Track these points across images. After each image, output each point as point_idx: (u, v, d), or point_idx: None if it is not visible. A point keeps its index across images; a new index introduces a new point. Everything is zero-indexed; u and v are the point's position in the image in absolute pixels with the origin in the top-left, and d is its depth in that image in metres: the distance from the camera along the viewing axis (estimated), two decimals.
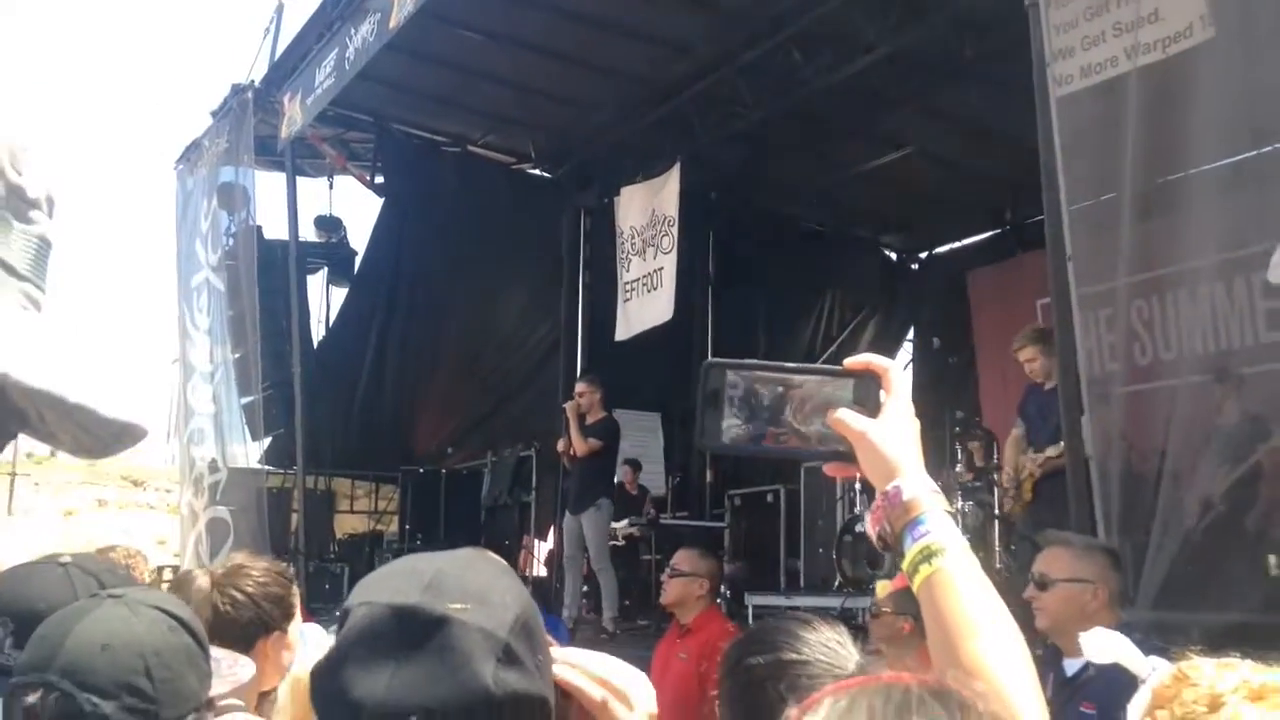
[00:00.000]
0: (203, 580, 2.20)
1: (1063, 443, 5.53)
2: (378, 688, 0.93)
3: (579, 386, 8.26)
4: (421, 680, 0.93)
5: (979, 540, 6.62)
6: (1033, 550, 5.81)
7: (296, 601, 2.34)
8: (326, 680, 0.97)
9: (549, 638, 1.08)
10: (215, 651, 1.57)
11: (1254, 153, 3.86)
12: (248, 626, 2.15)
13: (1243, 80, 3.94)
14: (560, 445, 8.29)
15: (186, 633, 1.43)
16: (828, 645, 1.41)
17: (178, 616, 1.44)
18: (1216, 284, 5.05)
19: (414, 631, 0.95)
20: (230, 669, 1.70)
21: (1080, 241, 4.26)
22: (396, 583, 1.00)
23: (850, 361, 1.16)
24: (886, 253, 13.38)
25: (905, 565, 1.09)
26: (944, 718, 0.79)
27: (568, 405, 8.15)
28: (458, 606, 0.97)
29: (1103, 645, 1.79)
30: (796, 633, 1.42)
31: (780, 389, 1.14)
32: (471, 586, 1.00)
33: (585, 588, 8.70)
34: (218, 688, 1.51)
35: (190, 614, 1.49)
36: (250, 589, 2.20)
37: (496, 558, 1.12)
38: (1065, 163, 4.26)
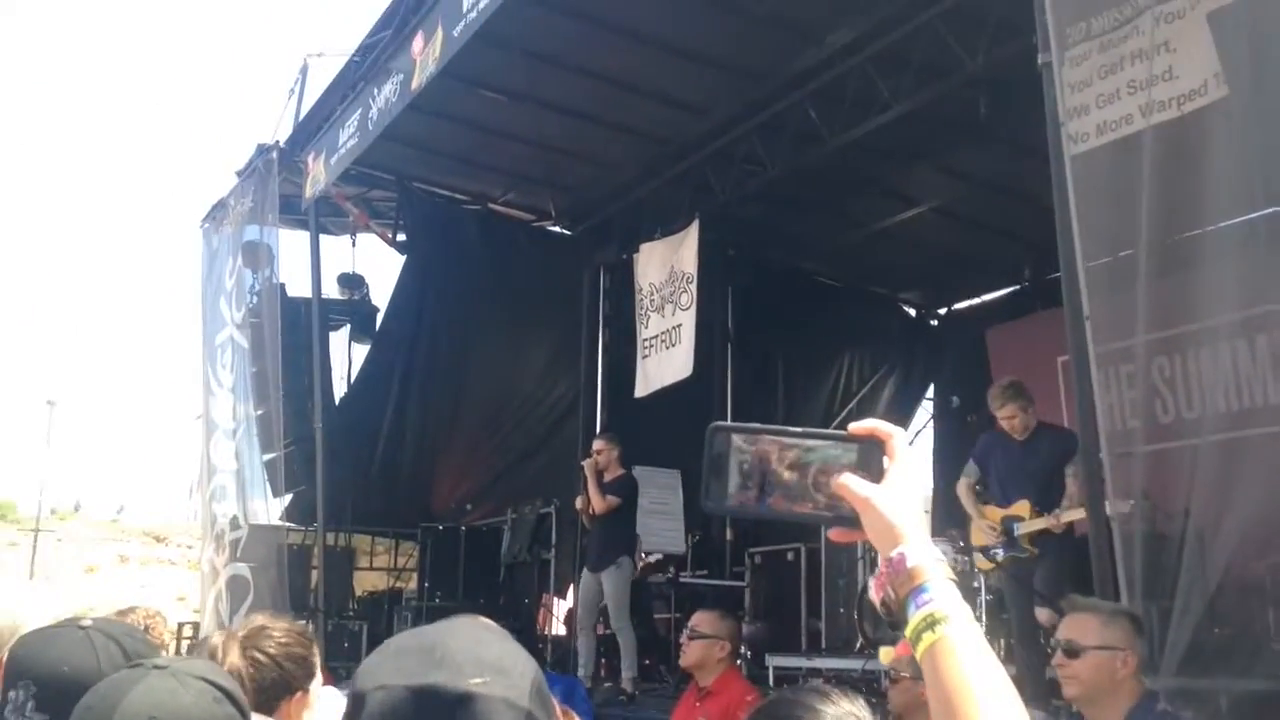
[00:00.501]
0: (232, 647, 2.19)
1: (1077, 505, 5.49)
2: None
3: (597, 444, 8.25)
4: None
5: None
6: (1023, 594, 5.73)
7: (318, 661, 2.33)
8: None
9: (564, 706, 1.09)
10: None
11: (1268, 211, 3.84)
12: (271, 688, 2.16)
13: (1256, 138, 3.94)
14: (579, 503, 8.27)
15: (230, 703, 1.43)
16: (846, 719, 1.39)
17: (222, 687, 1.43)
18: (1238, 341, 5.02)
19: (438, 711, 0.94)
20: None
21: (1098, 299, 4.24)
22: (407, 663, 0.99)
23: (855, 427, 1.16)
24: (905, 309, 13.38)
25: (909, 632, 1.09)
26: None
27: (585, 463, 8.14)
28: (477, 681, 0.96)
29: None
30: (814, 706, 1.40)
31: (785, 453, 1.14)
32: (485, 657, 0.99)
33: (602, 648, 8.62)
34: None
35: (232, 683, 1.49)
36: (273, 650, 2.20)
37: (491, 623, 1.11)
38: (1081, 220, 4.26)
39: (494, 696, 0.95)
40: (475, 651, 1.00)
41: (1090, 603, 3.31)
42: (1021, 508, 5.80)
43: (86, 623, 1.72)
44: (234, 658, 2.15)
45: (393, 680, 0.97)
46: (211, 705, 1.38)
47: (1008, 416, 5.90)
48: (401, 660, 1.00)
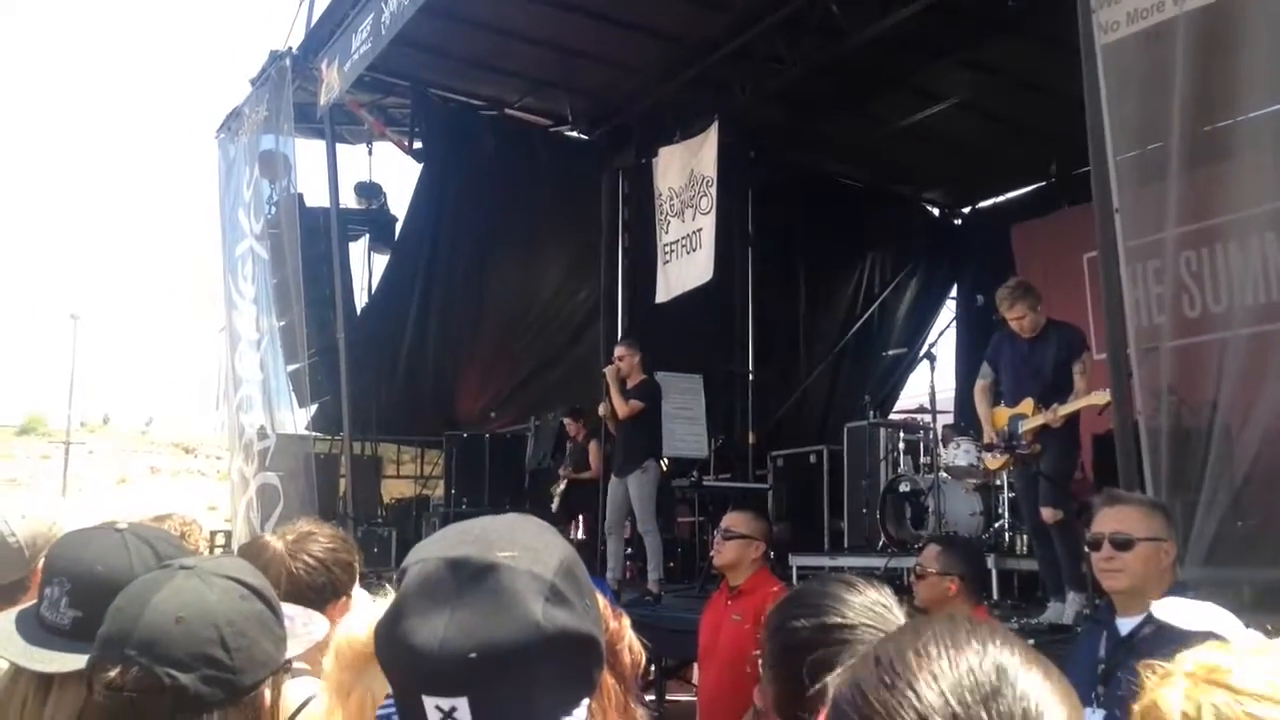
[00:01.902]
0: (276, 544, 2.25)
1: (1078, 400, 5.50)
2: (435, 633, 0.99)
3: (618, 350, 8.26)
4: (476, 621, 1.00)
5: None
6: (1031, 492, 5.78)
7: (358, 566, 2.39)
8: (388, 633, 1.03)
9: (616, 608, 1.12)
10: (288, 609, 1.60)
11: None
12: (321, 590, 2.21)
13: None
14: (602, 409, 8.32)
15: (259, 599, 1.45)
16: (873, 608, 1.40)
17: (249, 584, 1.46)
18: (1268, 234, 4.94)
19: (466, 577, 1.02)
20: (305, 626, 1.73)
21: (1127, 193, 4.17)
22: (447, 540, 1.08)
23: None
24: (929, 209, 13.23)
25: None
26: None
27: (608, 369, 8.17)
28: (505, 554, 1.04)
29: (1194, 613, 1.74)
30: (841, 595, 1.41)
31: None
32: (517, 538, 1.07)
33: (629, 550, 8.75)
34: (294, 648, 1.53)
35: (261, 580, 1.51)
36: (321, 554, 2.26)
37: (539, 520, 1.17)
38: (1111, 112, 4.16)
39: (519, 569, 1.03)
40: (509, 533, 1.08)
41: (1131, 495, 3.30)
42: (1026, 405, 5.82)
43: (122, 525, 1.75)
44: (279, 558, 2.20)
45: (430, 553, 1.06)
46: (238, 602, 1.41)
47: (1017, 317, 5.87)
48: (443, 539, 1.09)
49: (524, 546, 1.06)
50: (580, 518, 10.98)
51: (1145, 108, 4.19)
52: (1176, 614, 1.66)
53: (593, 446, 9.77)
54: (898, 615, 1.47)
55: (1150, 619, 2.81)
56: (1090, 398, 5.43)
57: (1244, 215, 4.27)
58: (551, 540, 1.11)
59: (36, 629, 1.64)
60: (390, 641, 1.03)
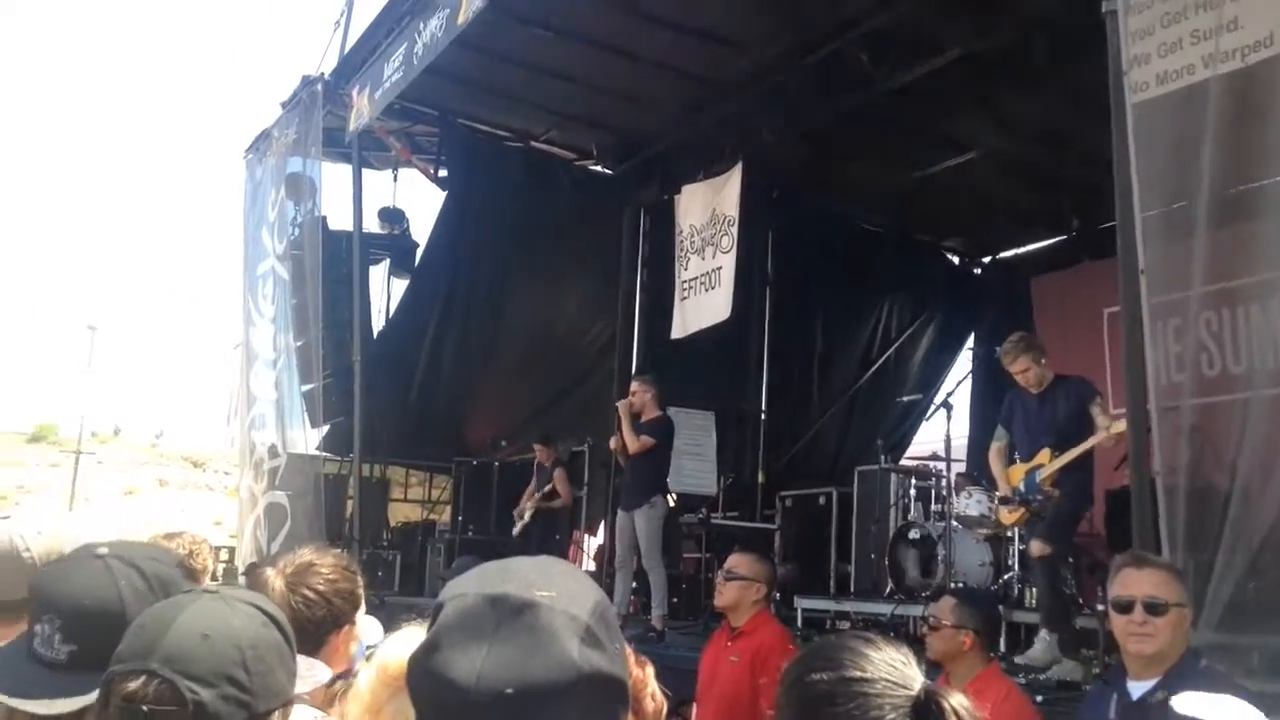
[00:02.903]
0: (276, 581, 2.23)
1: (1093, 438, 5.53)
2: (473, 667, 1.00)
3: (633, 385, 8.28)
4: (513, 657, 1.01)
5: None
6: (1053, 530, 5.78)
7: (362, 593, 2.38)
8: (423, 665, 1.05)
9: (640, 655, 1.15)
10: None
11: None
12: (321, 624, 2.20)
13: None
14: (613, 443, 8.33)
15: (278, 629, 1.46)
16: (892, 664, 1.39)
17: (269, 613, 1.47)
18: None
19: (505, 614, 1.04)
20: (309, 670, 1.73)
21: (1152, 250, 4.18)
22: (485, 577, 1.10)
23: None
24: (949, 256, 13.25)
25: None
26: None
27: (620, 403, 8.19)
28: (544, 594, 1.05)
29: (1218, 709, 1.71)
30: (861, 650, 1.40)
31: None
32: (554, 579, 1.09)
33: (635, 585, 8.72)
34: (300, 687, 1.54)
35: (280, 613, 1.52)
36: (322, 587, 2.24)
37: (570, 563, 1.19)
38: (1139, 171, 4.19)
39: (556, 609, 1.04)
40: (545, 573, 1.10)
41: (1157, 559, 3.28)
42: (1043, 455, 5.84)
43: (103, 550, 1.69)
44: (280, 594, 2.19)
45: (469, 589, 1.08)
46: (260, 628, 1.42)
47: (1021, 370, 5.91)
48: (481, 576, 1.11)
49: (561, 588, 1.07)
50: (590, 543, 10.97)
51: (1172, 167, 4.21)
52: (1201, 709, 1.64)
53: (559, 474, 9.75)
54: (916, 672, 1.46)
55: (1163, 685, 2.80)
56: (1099, 436, 5.47)
57: (1267, 278, 4.27)
58: (586, 583, 1.13)
59: (30, 665, 1.59)
60: (424, 673, 1.04)
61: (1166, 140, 4.29)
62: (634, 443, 7.92)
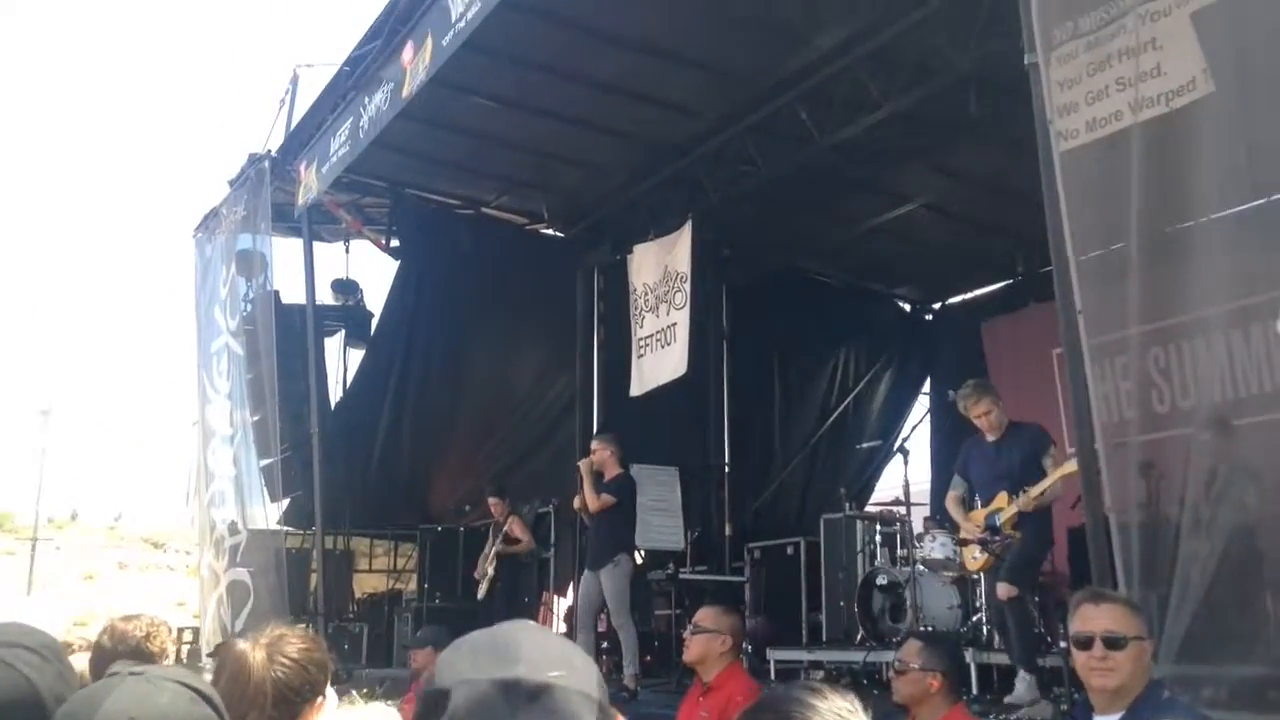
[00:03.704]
0: (256, 652, 2.24)
1: (1048, 478, 5.63)
2: None
3: (594, 444, 8.31)
4: None
5: None
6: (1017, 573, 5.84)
7: (331, 664, 2.40)
8: None
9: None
10: None
11: (1255, 204, 3.90)
12: (301, 691, 2.23)
13: (1242, 134, 4.00)
14: (576, 503, 8.33)
15: (207, 704, 1.47)
16: (839, 713, 1.43)
17: (197, 689, 1.48)
18: (1232, 331, 5.07)
19: (522, 700, 1.01)
20: None
21: (1090, 291, 4.29)
22: (485, 659, 1.07)
23: None
24: (900, 304, 13.44)
25: None
26: None
27: (581, 462, 8.20)
28: (554, 674, 1.04)
29: None
30: (808, 700, 1.43)
31: None
32: (555, 654, 1.08)
33: (605, 644, 8.66)
34: None
35: (210, 688, 1.53)
36: (298, 655, 2.27)
37: (545, 628, 1.19)
38: (1071, 215, 4.31)
39: (570, 688, 1.03)
40: (545, 649, 1.08)
41: (1114, 594, 3.33)
42: (1000, 500, 5.93)
43: None
44: (262, 664, 2.20)
45: (475, 675, 1.04)
46: (188, 705, 1.43)
47: (983, 413, 6.02)
48: (478, 657, 1.07)
49: (564, 664, 1.06)
50: (559, 604, 10.87)
51: (1105, 211, 4.33)
52: None
53: (514, 521, 9.66)
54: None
55: (1128, 718, 2.84)
56: (1064, 468, 5.54)
57: (1205, 314, 4.39)
58: (582, 655, 1.12)
59: None
60: None
61: (1097, 185, 4.43)
62: (595, 501, 7.92)
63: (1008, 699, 5.70)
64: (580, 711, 1.02)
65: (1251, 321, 5.39)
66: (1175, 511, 4.06)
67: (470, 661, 1.07)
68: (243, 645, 2.28)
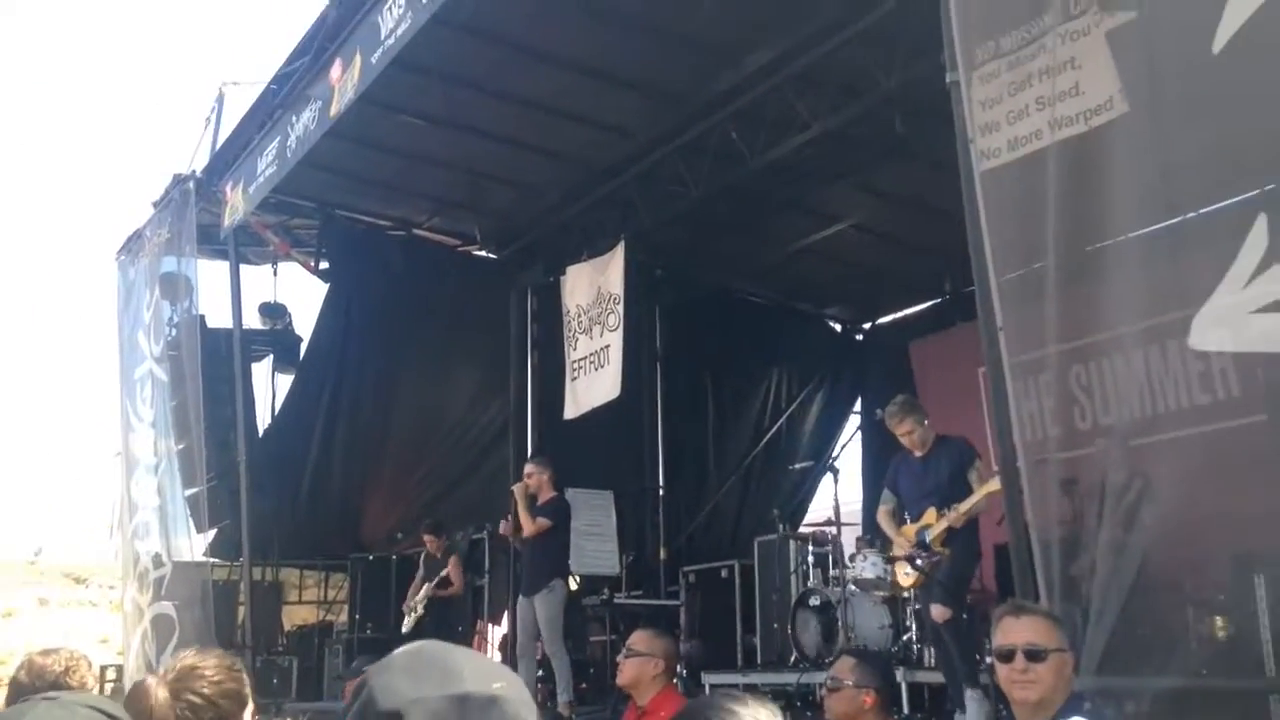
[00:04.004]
0: (160, 691, 2.19)
1: (975, 494, 5.70)
2: None
3: (527, 468, 8.24)
4: None
5: None
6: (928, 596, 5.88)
7: (249, 691, 2.34)
8: None
9: None
10: None
11: (1166, 223, 3.97)
12: None
13: (1155, 152, 4.08)
14: (503, 528, 8.28)
15: None
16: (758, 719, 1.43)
17: (110, 714, 1.45)
18: (1150, 347, 5.17)
19: (476, 713, 1.06)
20: None
21: (1012, 310, 4.34)
22: (433, 676, 1.10)
23: None
24: (831, 324, 13.57)
25: None
26: None
27: (515, 487, 8.13)
28: (498, 685, 1.10)
29: None
30: (730, 708, 1.44)
31: None
32: (490, 669, 1.13)
33: (540, 672, 8.56)
34: None
35: (122, 711, 1.50)
36: (207, 690, 2.21)
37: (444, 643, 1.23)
38: (993, 234, 4.36)
39: (514, 699, 1.09)
40: (477, 664, 1.13)
41: (1035, 606, 3.35)
42: (929, 516, 5.98)
43: None
44: (164, 703, 2.15)
45: (425, 693, 1.07)
46: None
47: (906, 432, 6.09)
48: (419, 677, 1.10)
49: (502, 676, 1.12)
50: (494, 632, 10.75)
51: (1025, 230, 4.39)
52: None
53: (453, 561, 9.58)
54: None
55: None
56: (987, 486, 5.59)
57: (1121, 332, 4.46)
58: (507, 667, 1.21)
59: None
60: None
61: (1017, 204, 4.49)
62: (530, 525, 7.85)
63: None
64: (525, 718, 1.08)
65: (1166, 339, 5.50)
66: (1095, 526, 4.10)
67: (411, 682, 1.09)
68: (149, 682, 2.23)
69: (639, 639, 4.74)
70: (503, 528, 8.24)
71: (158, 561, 9.83)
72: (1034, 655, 2.90)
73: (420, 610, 9.43)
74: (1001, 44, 5.06)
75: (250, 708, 2.33)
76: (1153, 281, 4.12)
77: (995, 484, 5.18)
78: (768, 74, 7.88)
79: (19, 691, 3.42)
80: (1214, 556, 4.44)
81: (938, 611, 5.80)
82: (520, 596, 8.08)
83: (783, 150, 8.10)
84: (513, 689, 1.10)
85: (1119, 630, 3.64)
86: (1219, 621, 4.84)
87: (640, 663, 4.63)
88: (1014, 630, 2.99)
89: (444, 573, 9.47)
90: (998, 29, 4.99)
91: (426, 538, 9.87)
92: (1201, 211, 3.91)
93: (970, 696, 5.66)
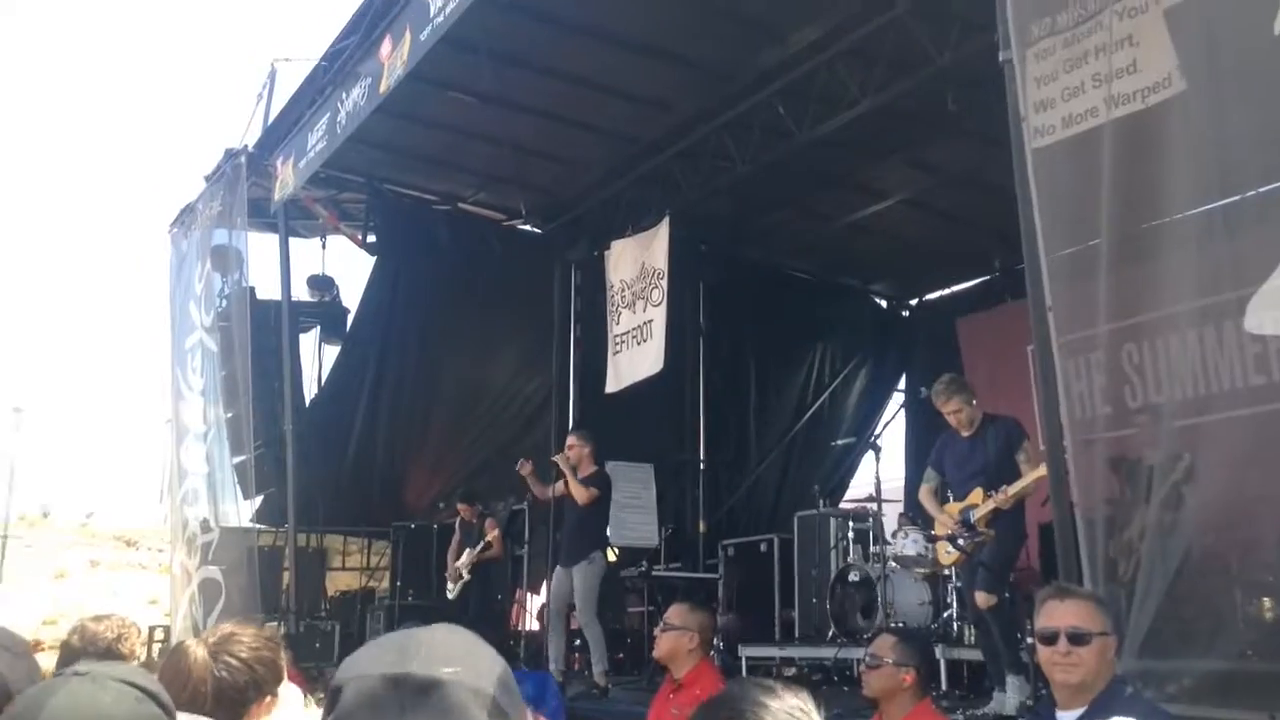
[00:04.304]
0: (199, 650, 2.26)
1: (1025, 478, 5.64)
2: None
3: (569, 440, 8.28)
4: None
5: None
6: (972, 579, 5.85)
7: (284, 664, 2.40)
8: None
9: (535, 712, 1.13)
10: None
11: (1223, 202, 3.91)
12: (244, 690, 2.25)
13: (1212, 131, 4.01)
14: (538, 491, 8.40)
15: (154, 703, 1.45)
16: (791, 713, 1.43)
17: (144, 688, 1.46)
18: (1206, 327, 5.09)
19: (410, 695, 1.01)
20: None
21: (1061, 289, 4.30)
22: (384, 655, 1.06)
23: None
24: (877, 300, 13.47)
25: None
26: None
27: (557, 457, 8.19)
28: (448, 670, 1.03)
29: None
30: (761, 700, 1.44)
31: None
32: (455, 652, 1.07)
33: (578, 642, 8.65)
34: None
35: (157, 686, 1.52)
36: (244, 655, 2.30)
37: (468, 631, 1.18)
38: (1044, 212, 4.32)
39: (462, 684, 1.02)
40: (446, 646, 1.07)
41: (1079, 589, 3.33)
42: (975, 496, 5.93)
43: None
44: (203, 663, 2.22)
45: (369, 670, 1.04)
46: (134, 705, 1.42)
47: (953, 410, 6.02)
48: (379, 653, 1.07)
49: (463, 661, 1.05)
50: (533, 601, 10.86)
51: (1077, 208, 4.34)
52: None
53: (489, 525, 9.67)
54: (817, 719, 1.49)
55: (1091, 713, 2.85)
56: (1037, 471, 5.53)
57: (1174, 311, 4.40)
58: (486, 653, 1.11)
59: None
60: None
61: (1069, 182, 4.44)
62: (582, 494, 7.89)
63: (999, 710, 5.65)
64: (469, 707, 1.01)
65: (1223, 319, 5.42)
66: (1142, 506, 4.07)
67: (370, 658, 1.07)
68: (188, 643, 2.30)
69: (675, 613, 4.77)
70: (538, 491, 8.36)
71: (205, 527, 10.01)
72: (1077, 639, 2.88)
73: (466, 575, 9.53)
74: (1058, 20, 4.99)
75: (284, 678, 2.39)
76: (1208, 261, 4.07)
77: (1045, 469, 5.13)
78: (817, 49, 7.82)
79: (70, 655, 3.51)
80: (1264, 538, 4.38)
81: (982, 599, 5.75)
82: (559, 567, 8.13)
83: (831, 126, 8.05)
84: (469, 675, 1.03)
85: (1164, 612, 3.62)
86: (1267, 603, 4.79)
87: (675, 636, 4.66)
88: (1058, 613, 2.97)
89: (487, 539, 9.56)
90: (1053, 6, 4.92)
91: (460, 506, 9.98)
92: (1260, 191, 3.84)
93: (1011, 682, 5.62)
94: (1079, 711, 2.89)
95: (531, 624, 10.83)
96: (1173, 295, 4.29)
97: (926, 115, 8.14)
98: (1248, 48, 3.89)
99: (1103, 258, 4.18)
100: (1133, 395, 6.34)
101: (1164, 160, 4.12)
